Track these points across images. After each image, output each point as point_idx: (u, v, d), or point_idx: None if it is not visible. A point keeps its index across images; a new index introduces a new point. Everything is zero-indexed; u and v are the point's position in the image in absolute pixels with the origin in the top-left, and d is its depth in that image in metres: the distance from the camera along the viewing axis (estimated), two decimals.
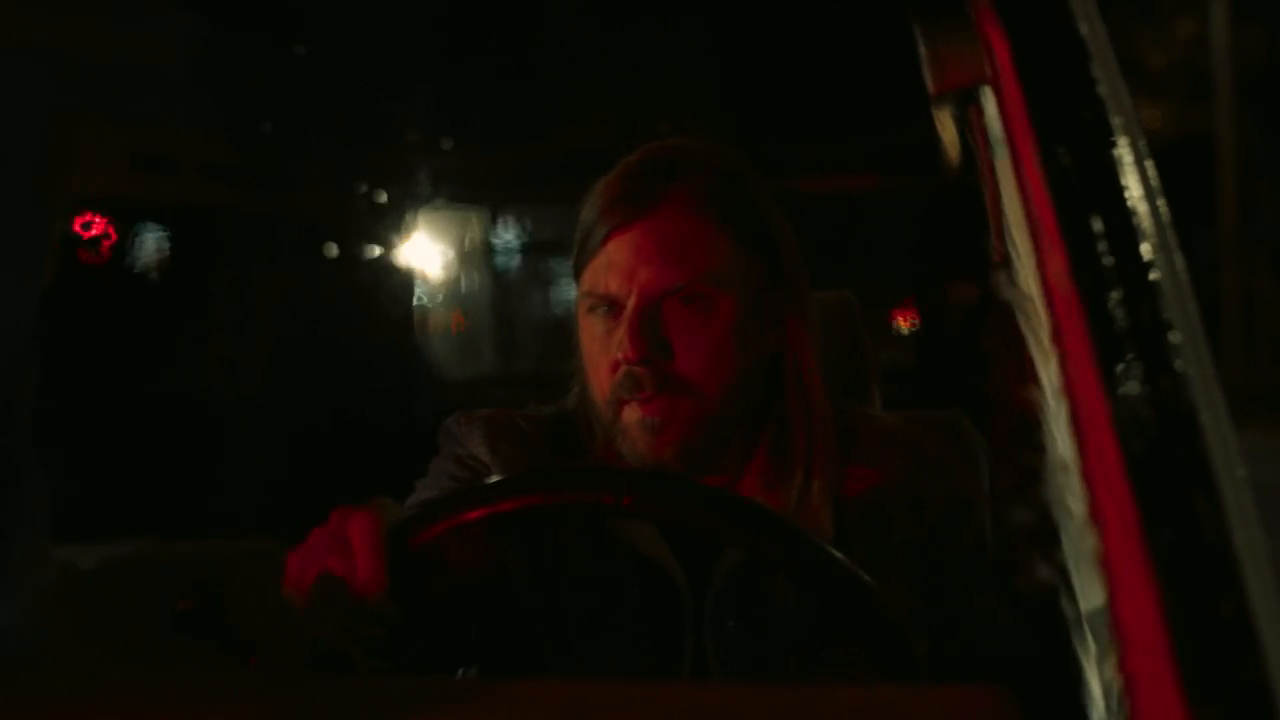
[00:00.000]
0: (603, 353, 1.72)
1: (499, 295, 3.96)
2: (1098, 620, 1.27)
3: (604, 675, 1.64)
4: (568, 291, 3.99)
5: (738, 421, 1.75)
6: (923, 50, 1.74)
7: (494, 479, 1.61)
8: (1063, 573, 1.38)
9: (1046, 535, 1.38)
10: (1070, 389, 0.92)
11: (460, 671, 1.65)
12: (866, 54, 2.85)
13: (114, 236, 3.19)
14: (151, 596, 3.10)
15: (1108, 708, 1.07)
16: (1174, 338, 0.89)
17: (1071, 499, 1.43)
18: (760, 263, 1.75)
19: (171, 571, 3.20)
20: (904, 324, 3.68)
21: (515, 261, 4.00)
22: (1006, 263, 1.83)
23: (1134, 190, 0.96)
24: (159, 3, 2.85)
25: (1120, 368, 0.89)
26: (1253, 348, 20.51)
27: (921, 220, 3.40)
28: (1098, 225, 0.94)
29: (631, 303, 1.68)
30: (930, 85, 1.78)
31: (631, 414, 1.69)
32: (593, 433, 1.80)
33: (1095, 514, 0.87)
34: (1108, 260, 0.93)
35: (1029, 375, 1.54)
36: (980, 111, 1.81)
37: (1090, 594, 1.37)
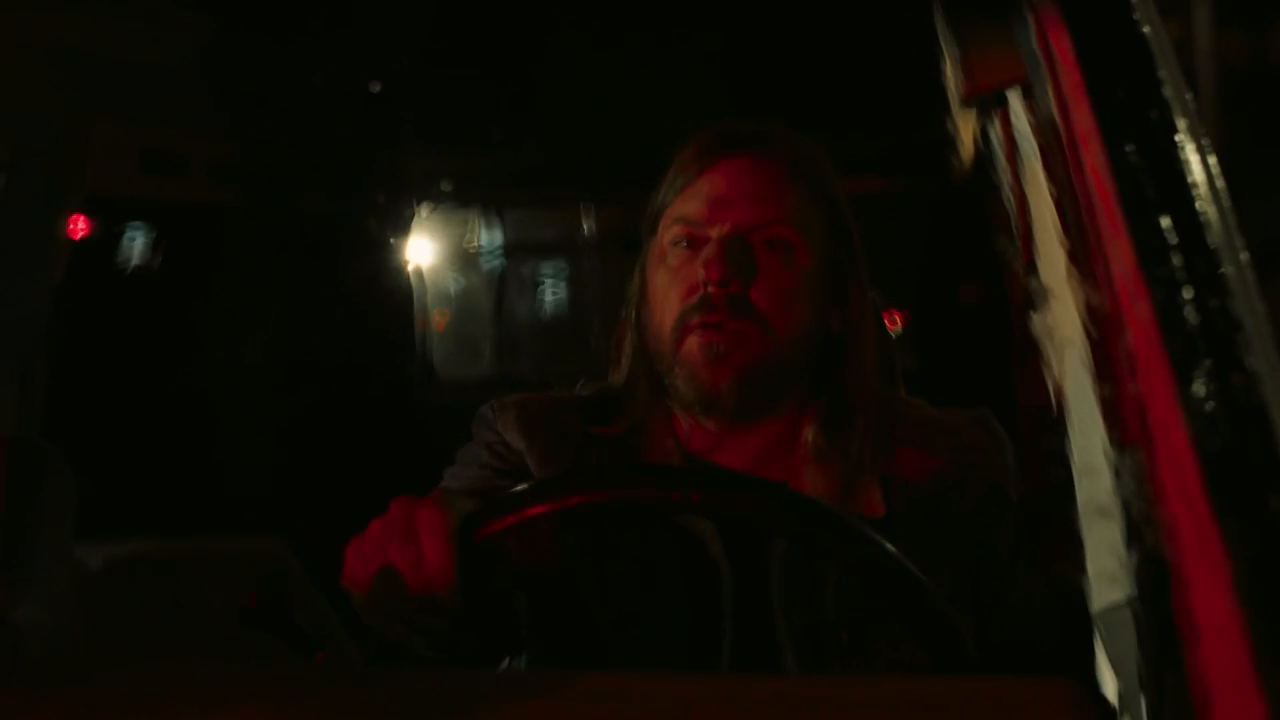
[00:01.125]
0: (677, 283, 1.76)
1: (507, 295, 3.96)
2: (1118, 615, 1.28)
3: (657, 662, 1.65)
4: (573, 291, 4.00)
5: (794, 375, 1.79)
6: (953, 54, 1.75)
7: (563, 473, 1.62)
8: (1086, 567, 1.40)
9: (1072, 530, 1.40)
10: (1141, 387, 0.92)
11: (507, 662, 1.66)
12: (879, 57, 2.86)
13: (122, 235, 3.18)
14: (159, 595, 3.10)
15: (1129, 696, 1.09)
16: (1244, 335, 0.90)
17: (1096, 494, 1.44)
18: (834, 234, 1.82)
19: (178, 570, 3.20)
20: (896, 325, 3.69)
21: (523, 262, 4.00)
22: (1033, 263, 1.85)
23: (1202, 189, 0.98)
24: (172, 3, 2.85)
25: (1191, 366, 0.90)
26: None
27: (932, 222, 3.41)
28: (1166, 223, 0.95)
29: (722, 230, 1.74)
30: (960, 89, 1.79)
31: (697, 339, 1.73)
32: (634, 407, 1.82)
33: (1167, 513, 0.88)
34: (1177, 258, 0.94)
35: (1056, 373, 1.56)
36: (1008, 114, 1.82)
37: (1107, 591, 1.38)
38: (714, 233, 1.74)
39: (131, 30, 2.84)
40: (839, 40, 3.00)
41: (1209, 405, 0.88)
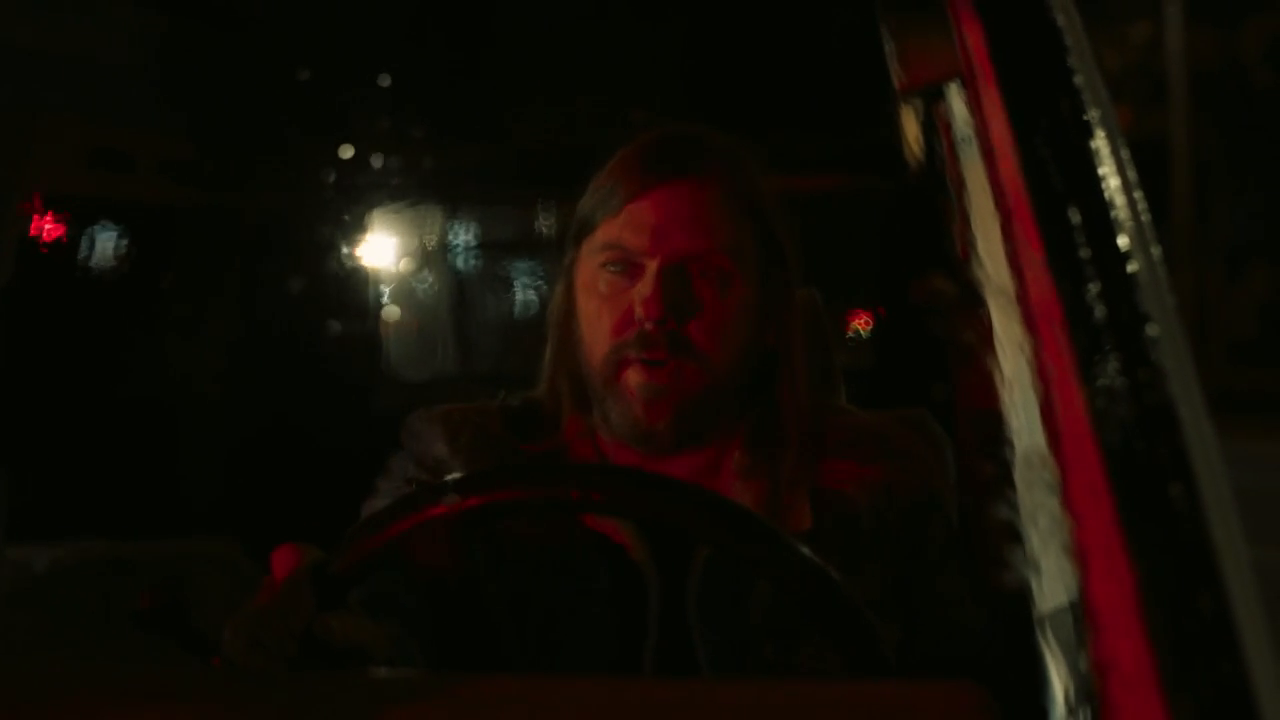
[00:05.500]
0: (609, 311, 1.71)
1: (461, 294, 3.93)
2: (1062, 618, 1.27)
3: (574, 669, 1.63)
4: (531, 291, 3.98)
5: (729, 402, 1.74)
6: (890, 47, 1.73)
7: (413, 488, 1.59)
8: (1028, 570, 1.38)
9: (1012, 532, 1.38)
10: (1047, 382, 0.91)
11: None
12: (829, 52, 2.85)
13: (70, 234, 3.15)
14: (108, 598, 3.07)
15: (1074, 704, 1.07)
16: (1152, 330, 0.88)
17: (1038, 495, 1.43)
18: (768, 253, 1.77)
19: (128, 572, 3.17)
20: (862, 325, 3.67)
21: (478, 260, 3.97)
22: (970, 259, 1.83)
23: (1111, 182, 0.96)
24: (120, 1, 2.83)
25: (1098, 360, 0.88)
26: (1206, 351, 20.64)
27: (882, 219, 3.39)
28: (1075, 217, 0.93)
29: (657, 262, 1.68)
30: (897, 81, 1.77)
31: (635, 377, 1.69)
32: (560, 421, 1.79)
33: (1072, 508, 0.86)
34: (1085, 252, 0.92)
35: (994, 371, 1.54)
36: (947, 108, 1.81)
37: (1055, 591, 1.36)
38: (650, 264, 1.68)
39: (78, 26, 2.82)
40: (802, 36, 2.99)
41: (1114, 401, 0.86)
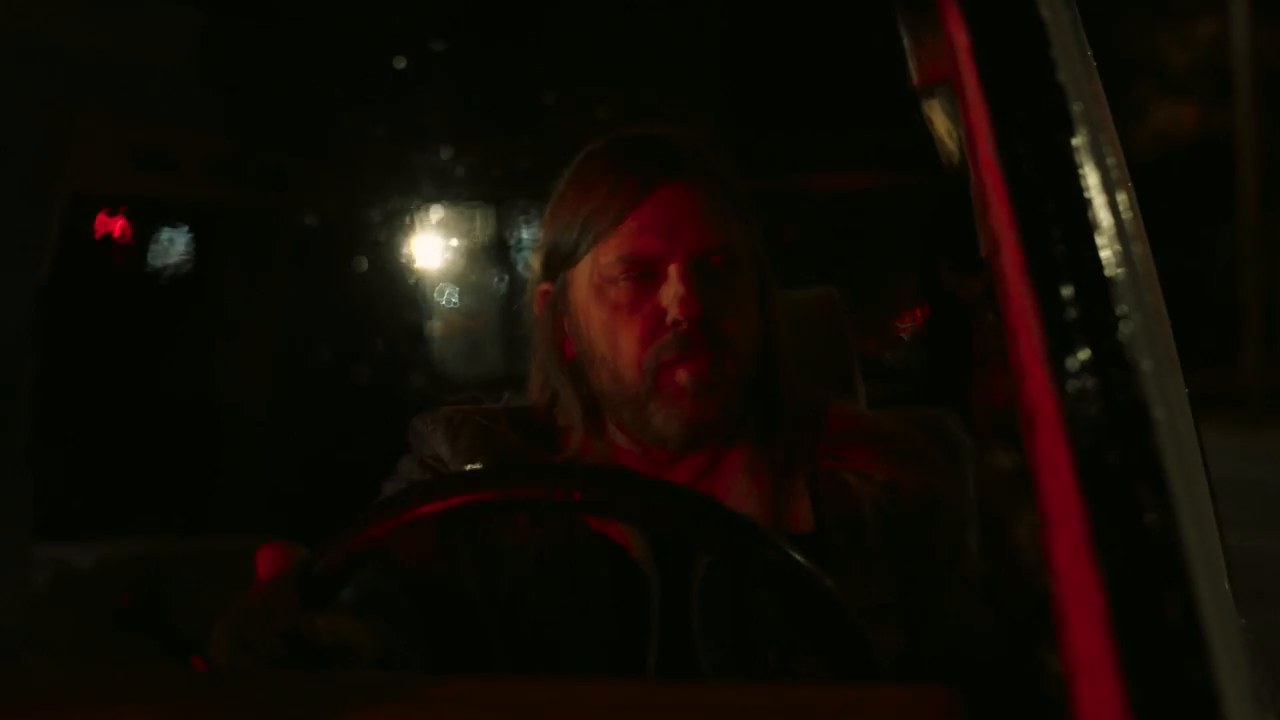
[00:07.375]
0: (632, 319, 1.70)
1: (507, 295, 3.92)
2: None
3: (574, 672, 1.62)
4: None
5: (746, 393, 1.74)
6: (906, 41, 1.71)
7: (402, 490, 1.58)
8: (1045, 574, 1.36)
9: (1030, 534, 1.36)
10: (1021, 383, 0.89)
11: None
12: (864, 46, 2.83)
13: (113, 233, 3.18)
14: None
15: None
16: (1126, 329, 0.87)
17: None
18: (751, 243, 1.77)
19: (169, 570, 3.19)
20: (909, 323, 3.64)
21: (526, 260, 3.97)
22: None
23: (1091, 179, 0.94)
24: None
25: (1070, 360, 0.87)
26: (1272, 347, 20.46)
27: (925, 217, 3.37)
28: (1050, 214, 0.92)
29: (679, 263, 1.68)
30: (914, 77, 1.75)
31: (681, 376, 1.68)
32: (572, 437, 1.78)
33: (1043, 511, 0.85)
34: (1060, 250, 0.90)
35: (1011, 371, 1.52)
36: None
37: None
38: (672, 266, 1.68)
39: (121, 25, 2.84)
40: (835, 30, 2.97)
41: (1084, 402, 0.85)
